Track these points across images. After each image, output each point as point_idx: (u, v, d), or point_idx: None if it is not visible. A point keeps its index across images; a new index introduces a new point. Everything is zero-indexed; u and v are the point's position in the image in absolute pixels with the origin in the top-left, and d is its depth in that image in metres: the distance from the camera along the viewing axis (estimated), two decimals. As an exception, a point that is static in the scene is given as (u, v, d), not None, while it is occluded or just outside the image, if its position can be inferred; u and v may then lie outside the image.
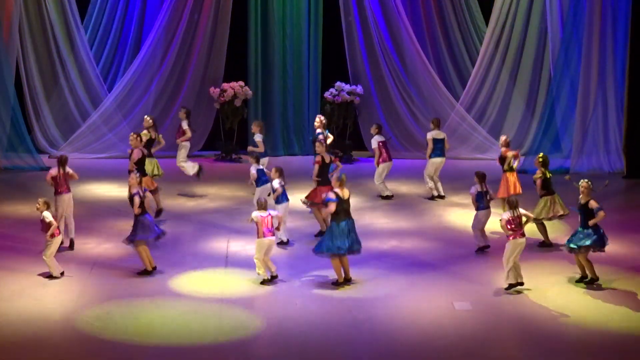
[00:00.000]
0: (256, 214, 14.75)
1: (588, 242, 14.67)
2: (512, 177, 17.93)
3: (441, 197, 20.00)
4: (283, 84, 24.96)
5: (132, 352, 12.46)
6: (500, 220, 14.63)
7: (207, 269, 15.53)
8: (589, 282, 14.86)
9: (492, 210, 16.47)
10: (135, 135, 17.84)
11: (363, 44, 24.80)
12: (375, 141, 19.97)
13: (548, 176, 16.72)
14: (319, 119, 20.09)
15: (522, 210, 14.63)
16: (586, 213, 14.71)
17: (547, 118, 23.84)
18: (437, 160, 19.95)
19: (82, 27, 24.35)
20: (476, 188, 16.29)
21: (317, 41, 24.93)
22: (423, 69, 24.65)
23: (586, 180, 14.90)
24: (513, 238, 14.43)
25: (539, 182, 16.71)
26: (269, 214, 14.79)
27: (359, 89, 24.35)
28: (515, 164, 18.21)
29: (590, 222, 14.64)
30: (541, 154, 17.04)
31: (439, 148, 19.95)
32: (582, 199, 14.80)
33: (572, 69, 23.51)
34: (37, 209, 14.80)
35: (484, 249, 16.34)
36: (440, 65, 25.22)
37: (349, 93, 24.18)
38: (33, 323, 13.18)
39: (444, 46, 25.30)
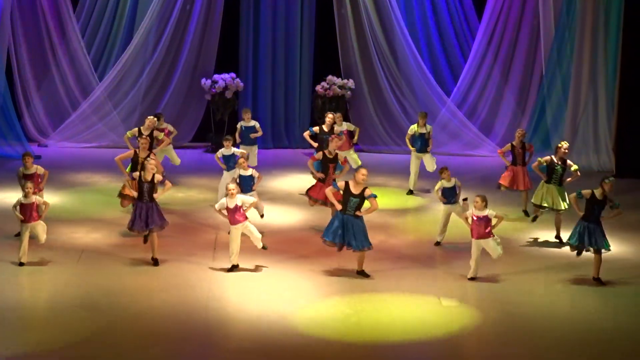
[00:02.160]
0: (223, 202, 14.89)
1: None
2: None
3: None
4: (274, 76, 24.94)
5: (119, 344, 12.43)
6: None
7: (195, 261, 15.51)
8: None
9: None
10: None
11: (355, 37, 24.79)
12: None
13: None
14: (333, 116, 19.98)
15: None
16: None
17: (538, 116, 23.95)
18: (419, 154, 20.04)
19: (74, 15, 24.30)
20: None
21: (309, 34, 24.92)
22: (415, 64, 24.66)
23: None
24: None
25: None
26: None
27: (351, 83, 24.36)
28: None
29: None
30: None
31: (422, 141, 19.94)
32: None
33: (563, 67, 23.60)
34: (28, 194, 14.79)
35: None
36: (432, 61, 25.25)
37: (340, 87, 24.18)
38: (19, 311, 13.16)
39: (437, 41, 25.32)
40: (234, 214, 14.85)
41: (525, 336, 12.93)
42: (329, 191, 15.04)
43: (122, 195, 16.85)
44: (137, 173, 15.39)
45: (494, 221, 14.77)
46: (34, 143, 23.38)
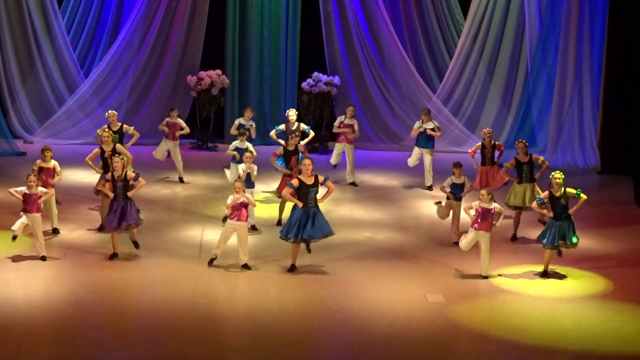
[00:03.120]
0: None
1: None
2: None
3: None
4: (260, 73, 24.95)
5: (105, 340, 12.44)
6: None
7: (181, 257, 15.52)
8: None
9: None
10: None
11: (341, 34, 24.83)
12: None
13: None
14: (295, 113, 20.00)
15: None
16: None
17: (523, 113, 24.14)
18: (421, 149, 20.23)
19: (60, 12, 24.27)
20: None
21: (295, 31, 24.93)
22: (400, 61, 24.72)
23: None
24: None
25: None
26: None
27: (336, 79, 24.40)
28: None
29: None
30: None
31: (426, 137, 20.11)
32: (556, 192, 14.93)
33: (548, 64, 23.72)
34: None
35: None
36: (417, 58, 25.31)
37: (326, 84, 24.22)
38: (4, 309, 13.12)
39: (422, 39, 25.38)
40: (238, 211, 14.87)
41: (510, 332, 12.95)
42: (286, 192, 15.02)
43: (98, 192, 16.82)
44: (110, 174, 15.36)
45: (496, 215, 14.87)
46: (20, 140, 23.35)
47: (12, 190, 15.10)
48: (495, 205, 14.85)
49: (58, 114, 24.08)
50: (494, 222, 14.85)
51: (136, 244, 15.41)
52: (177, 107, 21.35)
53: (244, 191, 14.95)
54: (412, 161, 20.35)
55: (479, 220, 14.77)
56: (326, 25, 24.83)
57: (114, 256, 15.30)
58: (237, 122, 20.03)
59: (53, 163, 16.37)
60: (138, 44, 24.37)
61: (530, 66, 24.14)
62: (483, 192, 14.87)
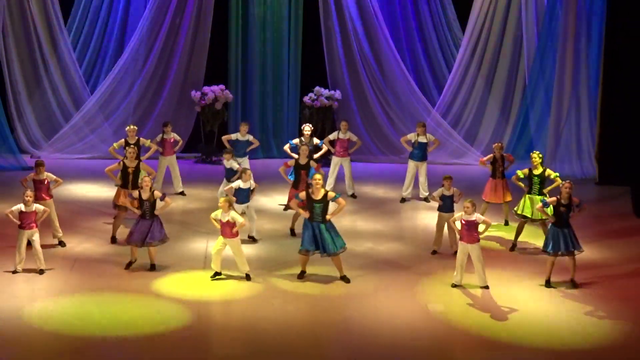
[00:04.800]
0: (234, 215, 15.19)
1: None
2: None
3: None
4: (263, 88, 25.13)
5: (111, 351, 12.60)
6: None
7: (186, 270, 15.69)
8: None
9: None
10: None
11: (342, 49, 24.97)
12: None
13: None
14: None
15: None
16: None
17: (521, 124, 24.09)
18: (416, 162, 20.37)
19: (66, 29, 24.50)
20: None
21: (296, 46, 25.10)
22: (400, 75, 24.86)
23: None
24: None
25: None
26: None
27: (337, 94, 24.56)
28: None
29: None
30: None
31: (421, 150, 20.32)
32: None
33: (546, 76, 23.71)
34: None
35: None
36: (417, 71, 25.44)
37: (327, 98, 24.37)
38: (13, 320, 13.27)
39: (421, 53, 25.50)
40: (224, 228, 15.13)
41: (509, 343, 13.08)
42: (293, 203, 15.44)
43: (117, 206, 17.13)
44: (137, 192, 15.62)
45: (481, 227, 15.03)
46: (27, 155, 23.53)
47: (8, 212, 15.21)
48: (477, 216, 14.92)
49: (65, 129, 24.23)
50: (479, 233, 14.98)
51: (153, 267, 15.57)
52: (176, 121, 21.47)
53: (229, 208, 15.17)
54: (408, 180, 20.47)
55: (465, 233, 14.92)
56: (327, 40, 24.98)
57: (130, 264, 15.53)
58: (233, 136, 20.26)
59: (46, 175, 16.50)
60: (143, 60, 24.50)
61: (528, 78, 24.21)
62: (467, 203, 14.88)
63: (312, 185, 15.20)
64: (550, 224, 15.36)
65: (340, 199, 15.28)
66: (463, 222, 14.83)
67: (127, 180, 17.02)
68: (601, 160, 22.92)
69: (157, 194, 15.54)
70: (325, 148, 19.91)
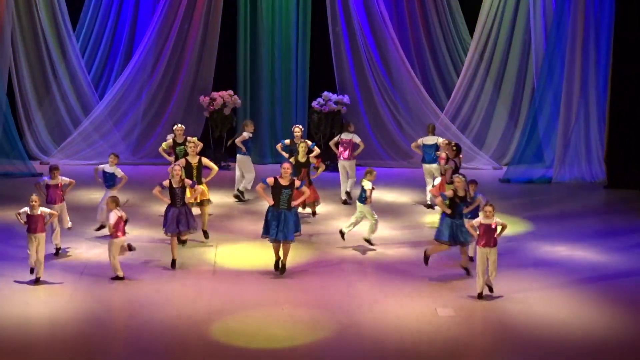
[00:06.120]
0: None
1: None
2: None
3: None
4: (271, 93, 25.21)
5: (122, 357, 12.62)
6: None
7: (196, 274, 15.71)
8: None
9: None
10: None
11: (350, 54, 25.06)
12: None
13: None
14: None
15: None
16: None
17: (530, 128, 24.08)
18: (425, 165, 20.32)
19: (74, 35, 24.60)
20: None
21: (305, 51, 25.19)
22: (409, 79, 24.92)
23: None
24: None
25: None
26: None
27: (346, 98, 24.62)
28: None
29: None
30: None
31: (427, 153, 20.27)
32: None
33: (554, 80, 23.74)
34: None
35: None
36: (425, 76, 25.50)
37: (335, 103, 24.43)
38: (23, 326, 13.29)
39: (430, 57, 25.58)
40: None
41: (521, 346, 13.05)
42: (259, 188, 15.83)
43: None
44: (167, 181, 15.92)
45: (498, 229, 14.87)
46: (36, 161, 23.62)
47: (16, 213, 15.26)
48: (496, 220, 14.76)
49: (74, 135, 24.35)
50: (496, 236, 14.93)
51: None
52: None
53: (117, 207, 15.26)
54: (429, 184, 20.35)
55: (484, 237, 14.79)
56: (335, 46, 25.07)
57: (174, 263, 15.79)
58: (246, 135, 20.35)
59: (59, 179, 16.66)
60: (151, 66, 24.64)
61: (536, 82, 24.25)
62: (488, 207, 14.69)
63: (281, 172, 15.48)
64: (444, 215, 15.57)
65: (305, 188, 16.00)
66: (483, 225, 14.76)
67: (192, 176, 17.26)
68: (610, 164, 22.95)
69: (187, 181, 16.06)
70: (316, 150, 19.93)
